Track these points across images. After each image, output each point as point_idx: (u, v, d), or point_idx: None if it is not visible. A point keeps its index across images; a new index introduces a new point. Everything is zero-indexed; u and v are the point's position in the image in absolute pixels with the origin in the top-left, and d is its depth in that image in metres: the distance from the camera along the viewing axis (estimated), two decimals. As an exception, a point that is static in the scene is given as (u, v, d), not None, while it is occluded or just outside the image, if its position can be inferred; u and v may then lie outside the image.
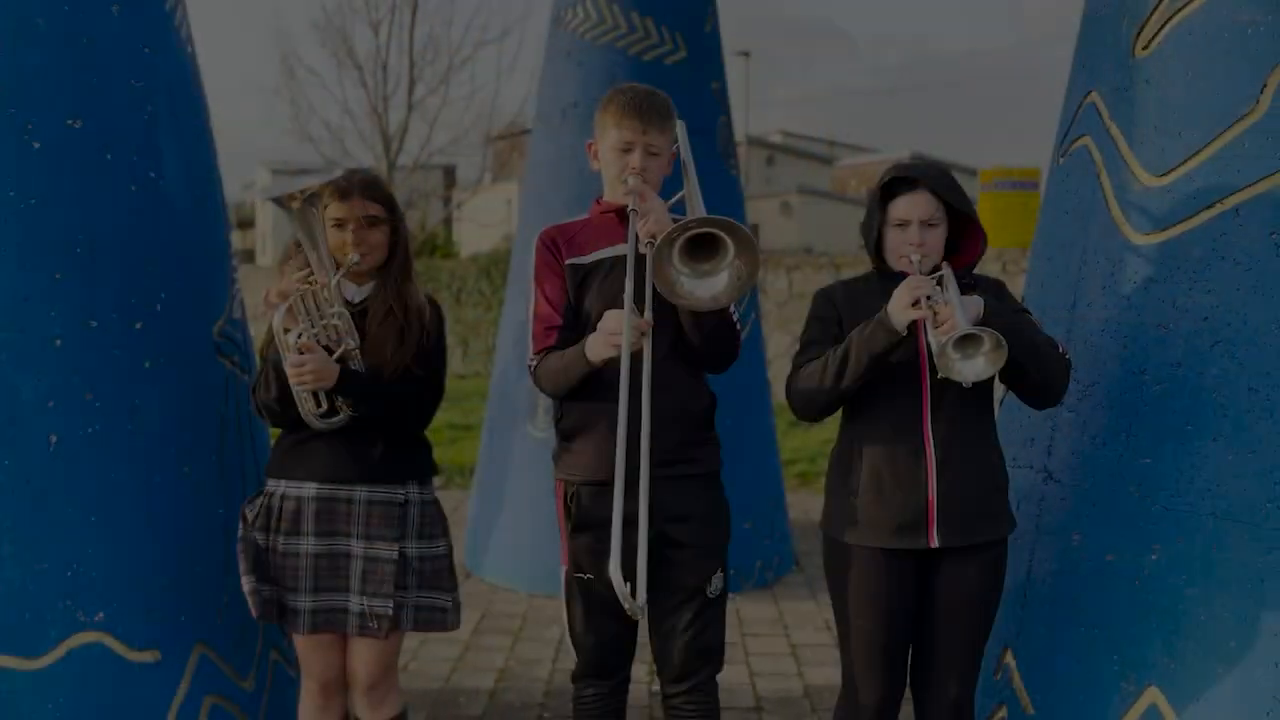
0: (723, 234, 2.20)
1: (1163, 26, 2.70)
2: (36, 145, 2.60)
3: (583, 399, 2.43)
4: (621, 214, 2.48)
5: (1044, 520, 2.82)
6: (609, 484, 2.37)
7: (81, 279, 2.63)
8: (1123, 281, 2.71)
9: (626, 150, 2.46)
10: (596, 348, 2.30)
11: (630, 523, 2.36)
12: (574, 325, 2.47)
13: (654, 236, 2.34)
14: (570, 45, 5.33)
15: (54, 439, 2.57)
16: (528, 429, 5.28)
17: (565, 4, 5.40)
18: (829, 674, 4.08)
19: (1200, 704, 2.47)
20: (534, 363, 2.48)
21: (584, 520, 2.46)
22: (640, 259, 2.35)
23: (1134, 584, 2.60)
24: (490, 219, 20.27)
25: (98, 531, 2.61)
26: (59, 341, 2.59)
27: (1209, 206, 2.56)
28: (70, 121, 2.65)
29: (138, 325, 2.72)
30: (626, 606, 2.13)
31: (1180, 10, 2.66)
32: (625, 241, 2.44)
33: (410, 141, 12.61)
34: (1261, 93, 2.52)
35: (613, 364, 2.30)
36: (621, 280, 2.40)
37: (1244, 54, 2.56)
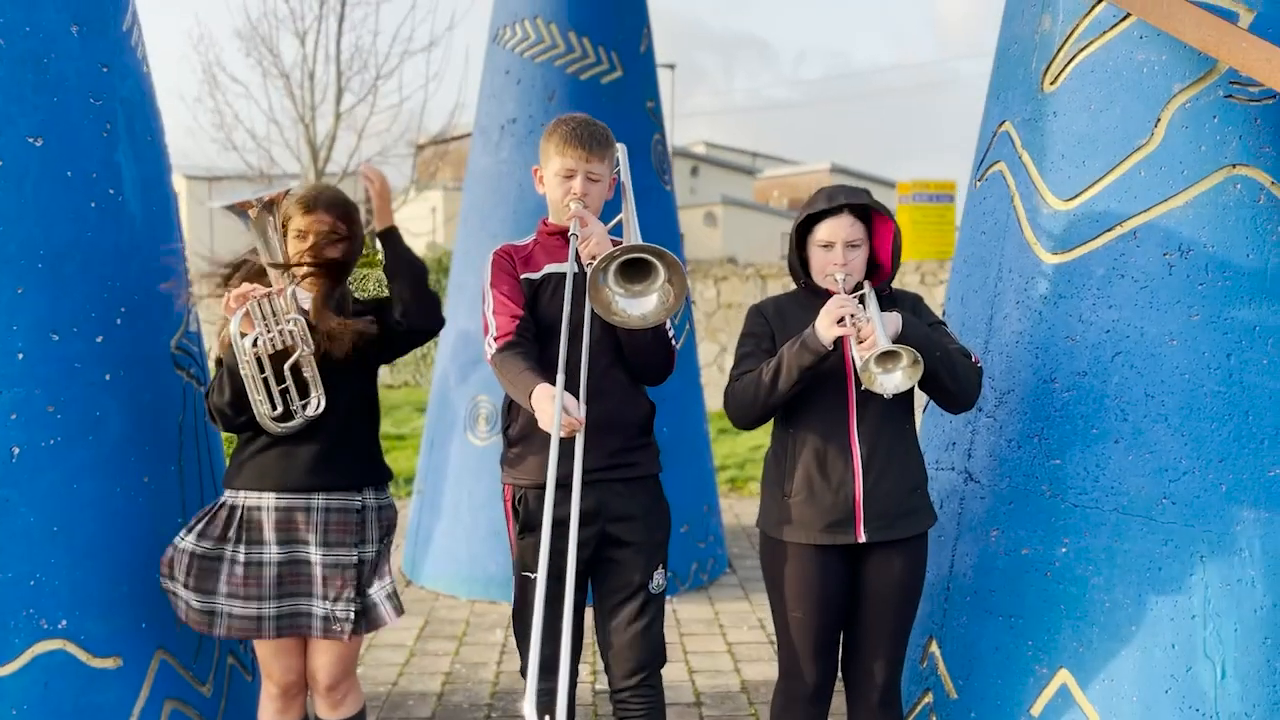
0: (653, 259, 2.36)
1: (1068, 64, 2.94)
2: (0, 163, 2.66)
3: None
4: (565, 235, 2.63)
5: (965, 518, 3.03)
6: (557, 488, 2.52)
7: (44, 293, 2.69)
8: (1034, 297, 2.94)
9: (569, 176, 2.61)
10: (540, 406, 2.39)
11: (588, 520, 2.53)
12: (529, 326, 2.61)
13: (594, 258, 2.50)
14: (509, 63, 5.45)
15: (16, 450, 2.63)
16: (467, 438, 5.38)
17: (503, 22, 5.53)
18: (764, 669, 4.26)
19: (1106, 683, 2.70)
20: (494, 349, 2.57)
21: (530, 522, 2.60)
22: (579, 278, 2.50)
23: (1046, 576, 2.83)
24: (419, 228, 20.12)
25: (60, 541, 2.67)
26: (21, 355, 2.65)
27: (1110, 229, 2.80)
28: (31, 139, 2.71)
29: (99, 339, 2.78)
30: None
31: (1083, 49, 2.91)
32: (569, 259, 2.59)
33: (339, 151, 12.64)
34: (1155, 126, 2.78)
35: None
36: (563, 292, 2.56)
37: (1140, 91, 2.81)
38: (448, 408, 5.55)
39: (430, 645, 4.57)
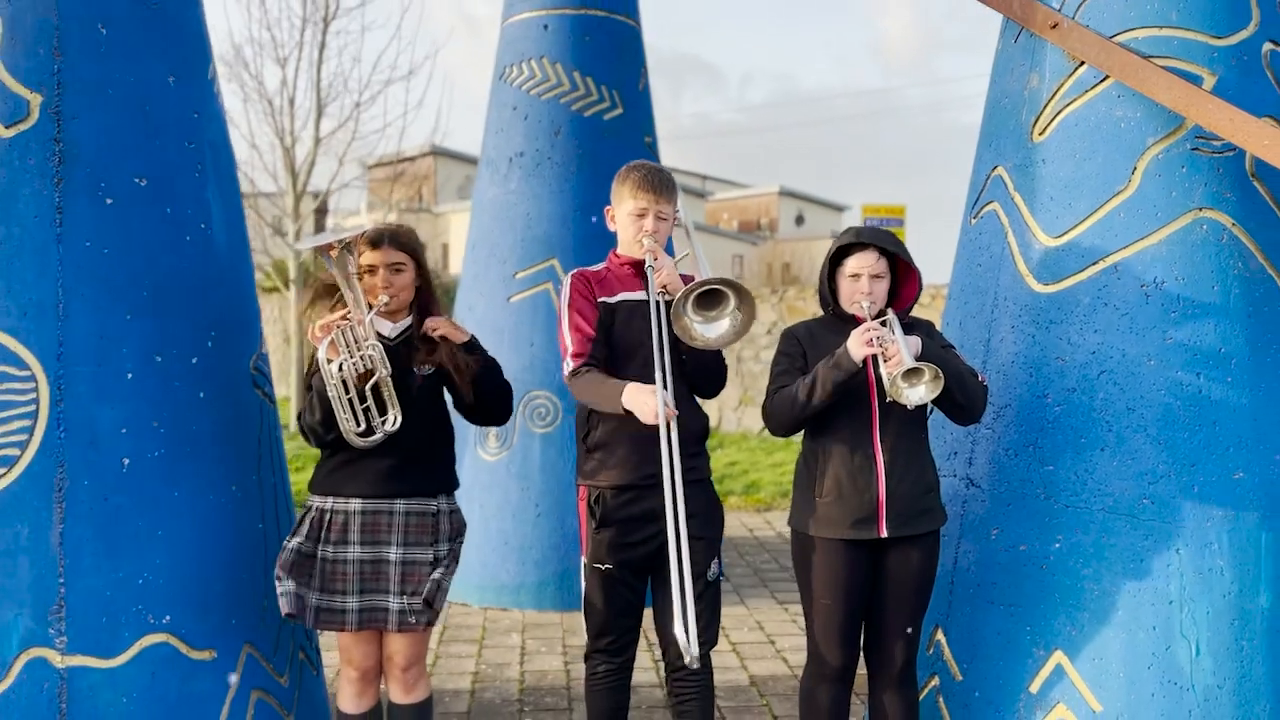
0: (726, 289, 2.72)
1: (1055, 118, 3.35)
2: (109, 201, 2.93)
3: (608, 420, 2.90)
4: (636, 266, 2.97)
5: (967, 519, 3.40)
6: (629, 489, 2.87)
7: (148, 319, 2.96)
8: (1028, 323, 3.33)
9: (641, 216, 2.95)
10: (633, 404, 2.74)
11: (649, 519, 2.87)
12: (604, 347, 2.94)
13: (665, 287, 2.85)
14: (516, 99, 5.79)
15: (126, 462, 2.89)
16: (478, 453, 5.67)
17: (510, 61, 5.86)
18: (768, 665, 4.60)
19: (1096, 662, 3.08)
20: (570, 369, 2.91)
21: (606, 519, 2.92)
22: (658, 304, 2.84)
23: (1041, 569, 3.21)
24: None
25: (163, 544, 2.93)
26: (130, 375, 2.92)
27: (1094, 263, 3.20)
28: (137, 180, 2.99)
29: (194, 360, 3.06)
30: (688, 659, 2.53)
31: (1068, 105, 3.32)
32: (641, 288, 2.94)
33: (320, 176, 12.77)
34: (1132, 174, 3.19)
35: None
36: (637, 317, 2.91)
37: (1118, 143, 3.22)
38: (459, 424, 5.83)
39: (452, 649, 4.84)
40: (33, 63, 2.88)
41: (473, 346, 3.04)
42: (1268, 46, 3.21)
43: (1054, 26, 3.32)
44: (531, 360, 5.54)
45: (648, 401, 2.69)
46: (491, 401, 3.11)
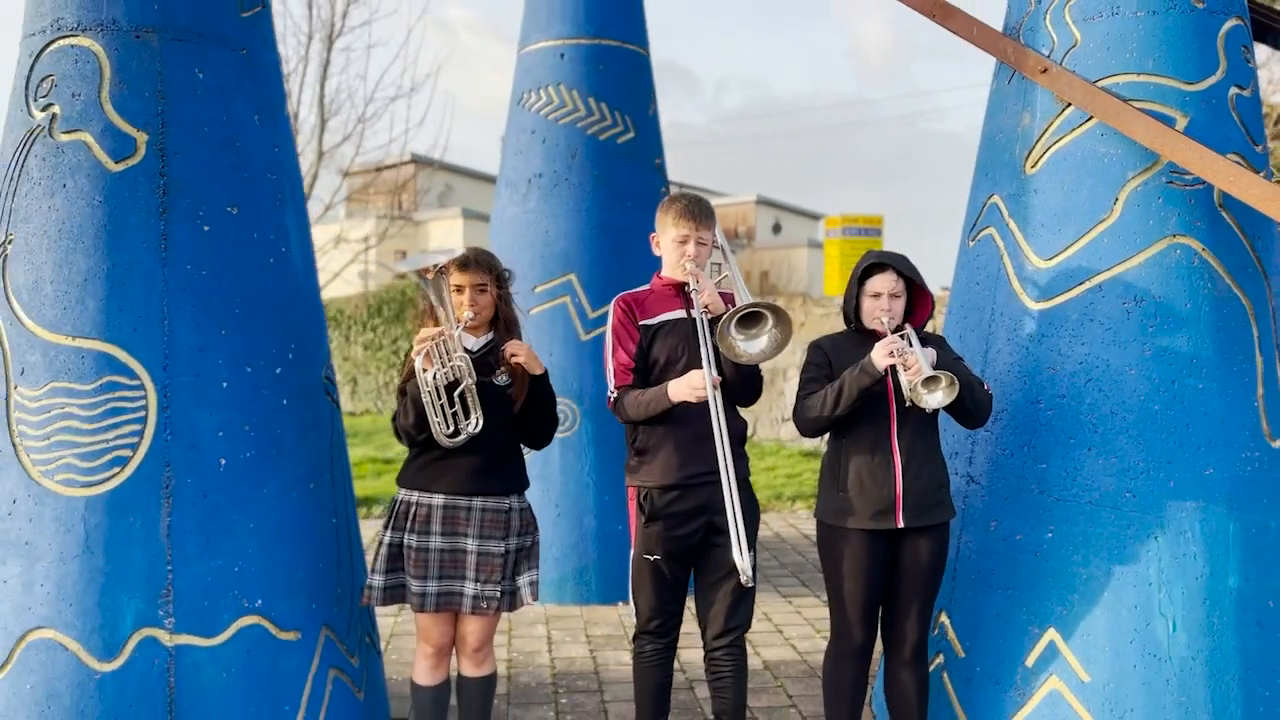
0: (765, 311, 3.08)
1: (1045, 153, 3.75)
2: (206, 228, 3.27)
3: (654, 424, 3.26)
4: (678, 287, 3.33)
5: (968, 513, 3.78)
6: (674, 487, 3.23)
7: (240, 333, 3.30)
8: (1022, 336, 3.72)
9: (684, 242, 3.31)
10: (679, 393, 3.11)
11: (693, 514, 3.22)
12: (643, 369, 3.30)
13: (707, 307, 3.21)
14: (534, 124, 6.14)
15: (223, 462, 3.22)
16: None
17: (528, 87, 6.22)
18: (779, 652, 4.97)
19: (1084, 638, 3.46)
20: (614, 395, 3.28)
21: (654, 515, 3.27)
22: (702, 321, 3.21)
23: (1035, 556, 3.59)
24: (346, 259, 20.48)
25: (254, 536, 3.26)
26: (225, 383, 3.25)
27: (1081, 283, 3.60)
28: (229, 208, 3.32)
29: (277, 370, 3.39)
30: (744, 578, 2.94)
31: (1057, 142, 3.72)
32: (681, 307, 3.31)
33: (322, 188, 13.07)
34: (1115, 204, 3.58)
35: (682, 405, 3.15)
36: (677, 335, 3.28)
37: (1102, 176, 3.62)
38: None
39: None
40: (139, 104, 3.21)
41: (542, 381, 3.37)
42: (1233, 91, 3.62)
43: (1044, 71, 3.72)
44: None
45: (692, 381, 3.08)
46: (535, 428, 3.44)
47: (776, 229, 49.11)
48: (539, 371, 3.37)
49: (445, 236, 35.74)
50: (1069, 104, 3.68)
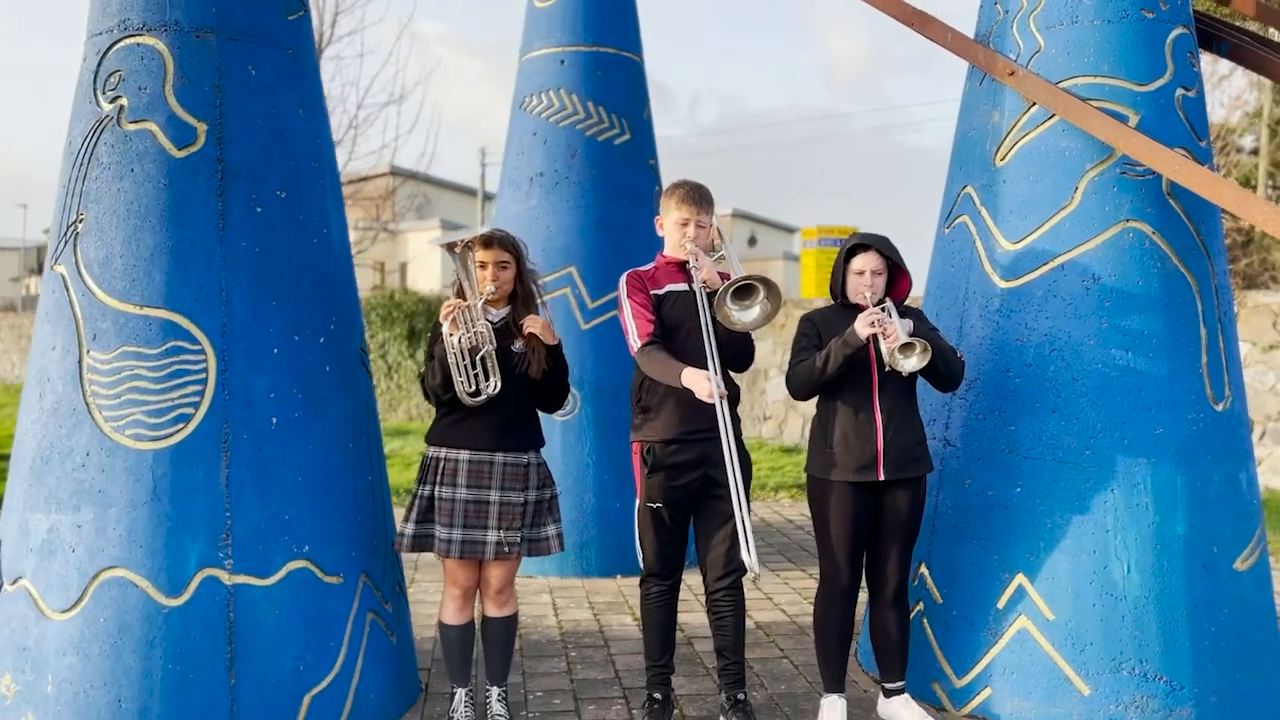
0: (757, 284, 3.44)
1: (1013, 147, 4.15)
2: (259, 210, 3.61)
3: (656, 387, 3.61)
4: (680, 265, 3.70)
5: (945, 472, 4.17)
6: (674, 441, 3.58)
7: (288, 305, 3.64)
8: (993, 312, 4.11)
9: (685, 224, 3.68)
10: (691, 382, 3.42)
11: (692, 465, 3.58)
12: (658, 326, 3.65)
13: (706, 283, 3.57)
14: (535, 126, 6.50)
15: (274, 420, 3.55)
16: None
17: (530, 91, 6.58)
18: (770, 614, 5.33)
19: (1049, 580, 3.85)
20: (639, 345, 3.58)
21: (656, 466, 3.62)
22: (697, 295, 3.56)
23: (1006, 509, 3.97)
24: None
25: (303, 488, 3.59)
26: (276, 350, 3.58)
27: (1046, 264, 3.99)
28: (279, 193, 3.67)
29: (321, 339, 3.73)
30: (752, 576, 3.27)
31: (1024, 137, 4.12)
32: (683, 281, 3.67)
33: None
34: (1074, 192, 3.99)
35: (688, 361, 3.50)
36: (681, 305, 3.63)
37: (1064, 167, 4.02)
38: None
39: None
40: (199, 97, 3.56)
41: (556, 351, 3.72)
42: (1179, 92, 4.04)
43: (1011, 74, 4.12)
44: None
45: (702, 384, 3.39)
46: (548, 393, 3.77)
47: (752, 242, 49.56)
48: (553, 342, 3.72)
49: (424, 247, 36.06)
50: (1034, 103, 4.08)
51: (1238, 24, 4.85)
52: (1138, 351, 3.88)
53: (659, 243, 6.84)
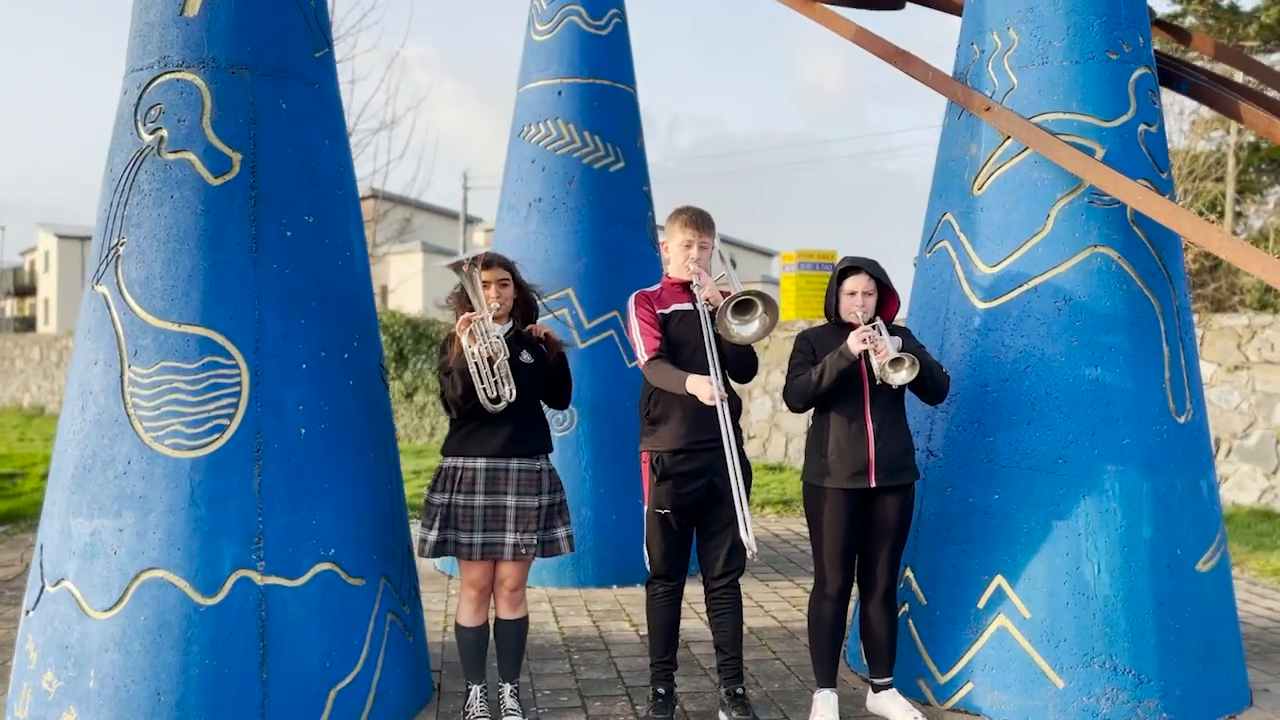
0: (755, 299, 3.72)
1: (990, 177, 4.46)
2: (289, 234, 3.86)
3: (664, 399, 3.88)
4: (685, 285, 3.97)
5: (928, 481, 4.44)
6: (682, 451, 3.84)
7: (315, 322, 3.88)
8: (972, 330, 4.40)
9: (689, 246, 3.95)
10: (694, 387, 3.69)
11: (698, 474, 3.84)
12: (665, 343, 3.91)
13: (709, 300, 3.85)
14: (534, 154, 6.78)
15: (303, 431, 3.79)
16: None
17: (528, 120, 6.87)
18: (761, 620, 5.58)
19: (1026, 581, 4.12)
20: (647, 359, 3.86)
21: (665, 474, 3.88)
22: (701, 313, 3.84)
23: (985, 515, 4.25)
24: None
25: (329, 495, 3.82)
26: (304, 365, 3.82)
27: (1021, 286, 4.29)
28: (307, 217, 3.92)
29: (345, 355, 3.97)
30: (750, 553, 3.55)
31: (1000, 168, 4.43)
32: (688, 301, 3.94)
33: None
34: (1047, 219, 4.29)
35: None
36: (686, 322, 3.90)
37: (1036, 196, 4.33)
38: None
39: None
40: (235, 129, 3.81)
41: (565, 366, 4.08)
42: (1142, 128, 4.36)
43: (987, 109, 4.44)
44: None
45: (704, 388, 3.66)
46: (558, 390, 4.08)
47: (732, 265, 49.75)
48: (559, 347, 4.01)
49: (406, 269, 36.25)
50: (1008, 137, 4.40)
51: (1197, 64, 5.18)
52: (1106, 367, 4.18)
53: (653, 265, 7.18)
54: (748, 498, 3.86)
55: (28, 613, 3.83)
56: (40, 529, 3.90)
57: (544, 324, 4.02)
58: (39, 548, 3.86)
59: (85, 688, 3.56)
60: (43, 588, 3.75)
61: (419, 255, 38.00)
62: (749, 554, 3.56)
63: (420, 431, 15.18)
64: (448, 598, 6.04)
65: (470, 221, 40.38)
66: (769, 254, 51.48)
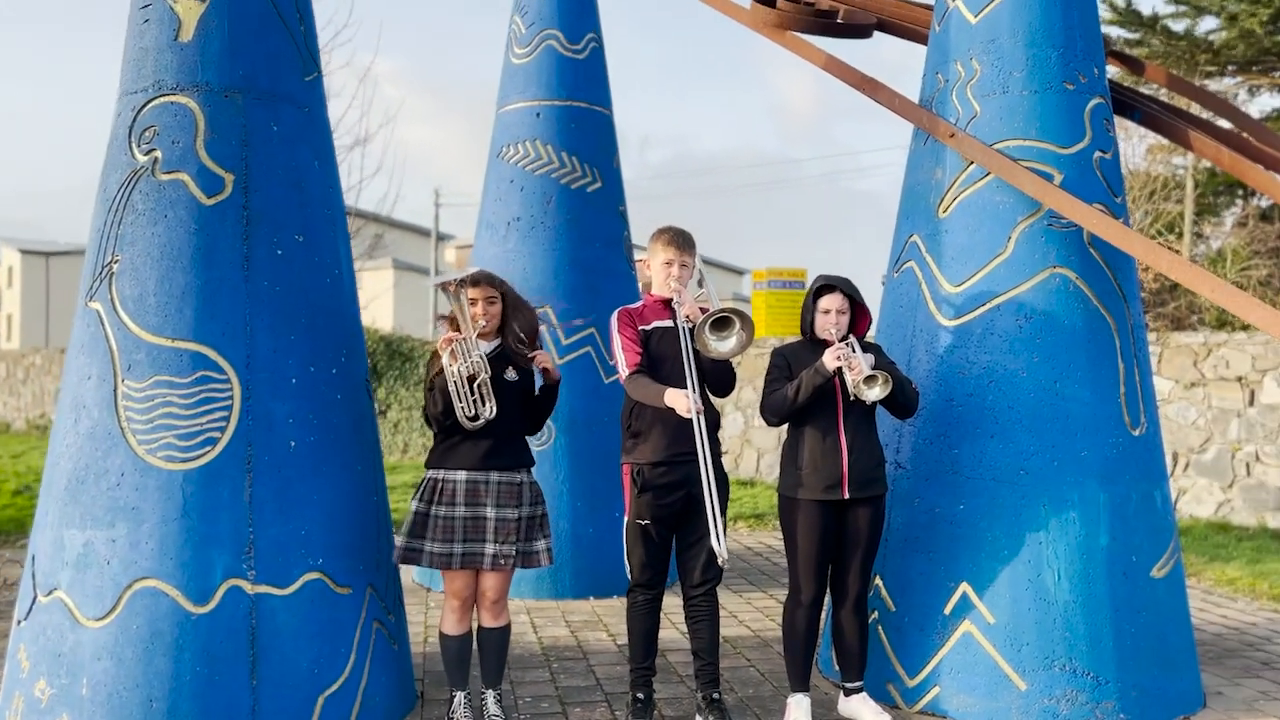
0: (733, 316, 3.88)
1: (954, 200, 4.65)
2: (279, 252, 3.97)
3: (645, 413, 4.02)
4: (666, 302, 4.12)
5: (896, 492, 4.61)
6: (662, 464, 3.99)
7: (305, 338, 3.99)
8: (938, 347, 4.59)
9: (669, 265, 4.11)
10: (673, 400, 3.85)
11: (677, 486, 3.98)
12: (645, 360, 4.06)
13: (688, 318, 4.00)
14: (513, 174, 6.93)
15: (293, 444, 3.89)
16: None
17: (507, 141, 7.01)
18: (735, 629, 5.72)
19: (991, 588, 4.29)
20: (628, 374, 4.02)
21: (646, 486, 4.02)
22: (684, 329, 3.99)
23: (951, 525, 4.42)
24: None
25: (317, 506, 3.92)
26: (294, 380, 3.93)
27: (984, 304, 4.48)
28: (297, 236, 4.04)
29: (334, 370, 4.09)
30: (721, 560, 3.71)
31: (964, 192, 4.63)
32: (669, 318, 4.09)
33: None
34: (1008, 241, 4.49)
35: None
36: (667, 339, 4.05)
37: (999, 219, 4.53)
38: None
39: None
40: (227, 150, 3.93)
41: (554, 385, 4.18)
42: (1097, 155, 4.58)
43: (952, 136, 4.64)
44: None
45: (681, 401, 3.82)
46: (537, 416, 4.22)
47: (700, 284, 49.97)
48: (556, 377, 4.13)
49: (377, 286, 36.24)
50: (972, 162, 4.59)
51: (1149, 93, 5.43)
52: (1065, 382, 4.37)
53: (629, 283, 7.33)
54: (725, 508, 4.01)
55: (19, 623, 3.90)
56: (31, 540, 3.98)
57: (545, 354, 4.12)
58: (30, 559, 3.94)
59: (78, 695, 3.64)
60: (35, 598, 3.83)
61: (390, 272, 38.02)
62: (720, 561, 3.71)
63: (393, 448, 15.22)
64: (427, 610, 6.13)
65: (441, 238, 40.42)
66: (740, 272, 51.86)
